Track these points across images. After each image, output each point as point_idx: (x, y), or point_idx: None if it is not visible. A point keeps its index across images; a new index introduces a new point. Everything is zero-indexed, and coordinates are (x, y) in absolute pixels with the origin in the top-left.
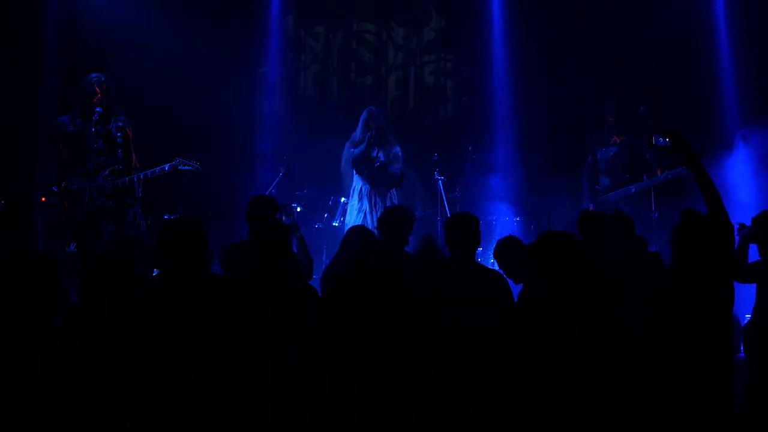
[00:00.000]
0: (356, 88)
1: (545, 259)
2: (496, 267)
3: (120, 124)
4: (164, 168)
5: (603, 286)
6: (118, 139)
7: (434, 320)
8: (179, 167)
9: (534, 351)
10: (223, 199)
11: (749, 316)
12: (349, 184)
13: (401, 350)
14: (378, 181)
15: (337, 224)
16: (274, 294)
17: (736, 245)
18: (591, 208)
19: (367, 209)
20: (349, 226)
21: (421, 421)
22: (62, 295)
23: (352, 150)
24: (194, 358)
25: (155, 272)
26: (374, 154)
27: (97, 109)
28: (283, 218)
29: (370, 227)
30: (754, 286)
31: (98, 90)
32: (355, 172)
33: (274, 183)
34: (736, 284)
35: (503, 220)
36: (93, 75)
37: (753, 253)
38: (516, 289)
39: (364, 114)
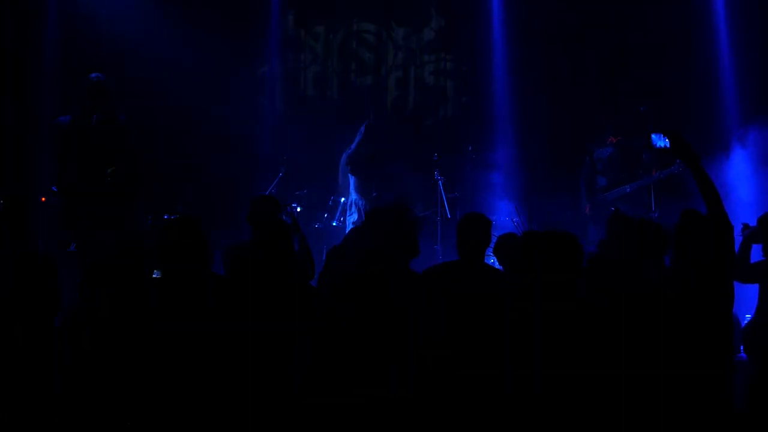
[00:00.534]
0: (356, 88)
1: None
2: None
3: (120, 124)
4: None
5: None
6: (118, 140)
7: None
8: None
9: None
10: (223, 199)
11: (749, 316)
12: (344, 191)
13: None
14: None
15: (337, 224)
16: (275, 294)
17: (736, 245)
18: (588, 209)
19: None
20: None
21: (420, 420)
22: (60, 295)
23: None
24: (194, 358)
25: (156, 274)
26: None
27: (97, 109)
28: (284, 218)
29: None
30: (755, 286)
31: (98, 90)
32: (351, 182)
33: (274, 183)
34: (736, 284)
35: (503, 220)
36: (93, 75)
37: (755, 254)
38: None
39: (362, 129)
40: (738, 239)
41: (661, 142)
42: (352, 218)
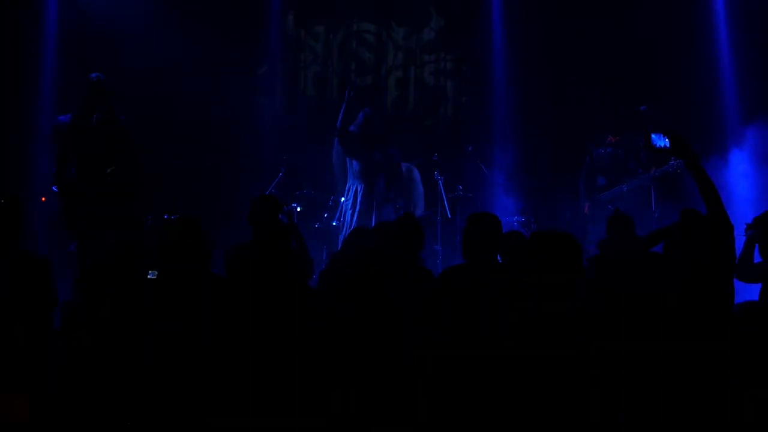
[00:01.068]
0: (356, 88)
1: None
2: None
3: (120, 124)
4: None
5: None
6: (118, 140)
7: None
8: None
9: None
10: (223, 199)
11: None
12: (341, 180)
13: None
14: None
15: (337, 224)
16: (274, 294)
17: (738, 245)
18: (587, 208)
19: (360, 209)
20: (346, 227)
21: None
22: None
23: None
24: (194, 358)
25: (151, 274)
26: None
27: (97, 109)
28: (282, 218)
29: (369, 226)
30: (756, 286)
31: (98, 90)
32: (349, 166)
33: (274, 183)
34: (738, 284)
35: (504, 220)
36: (93, 75)
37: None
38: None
39: (360, 116)
40: (741, 239)
41: (661, 141)
42: (348, 203)
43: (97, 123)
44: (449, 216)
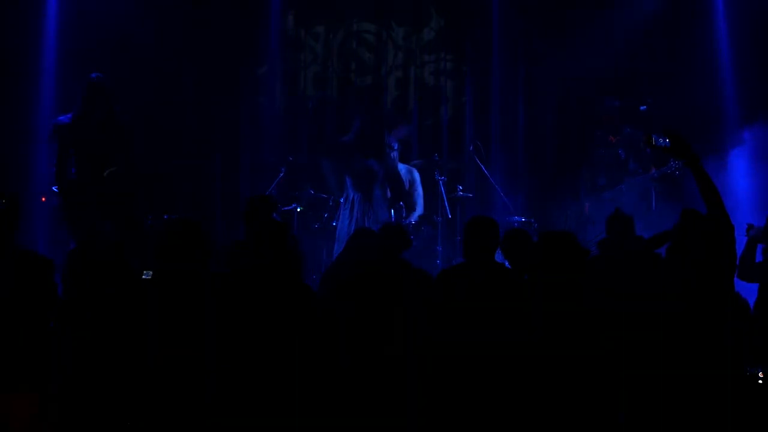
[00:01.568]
0: (356, 88)
1: None
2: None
3: (120, 124)
4: None
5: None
6: (118, 140)
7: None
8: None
9: None
10: (224, 199)
11: None
12: (337, 187)
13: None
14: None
15: (337, 224)
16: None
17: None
18: (587, 207)
19: (358, 216)
20: (345, 232)
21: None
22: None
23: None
24: (191, 358)
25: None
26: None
27: (97, 109)
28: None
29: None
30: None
31: (98, 90)
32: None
33: (275, 183)
34: (739, 284)
35: (504, 220)
36: (93, 75)
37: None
38: None
39: (356, 124)
40: (742, 239)
41: (661, 141)
42: (346, 212)
43: (97, 123)
44: (449, 216)
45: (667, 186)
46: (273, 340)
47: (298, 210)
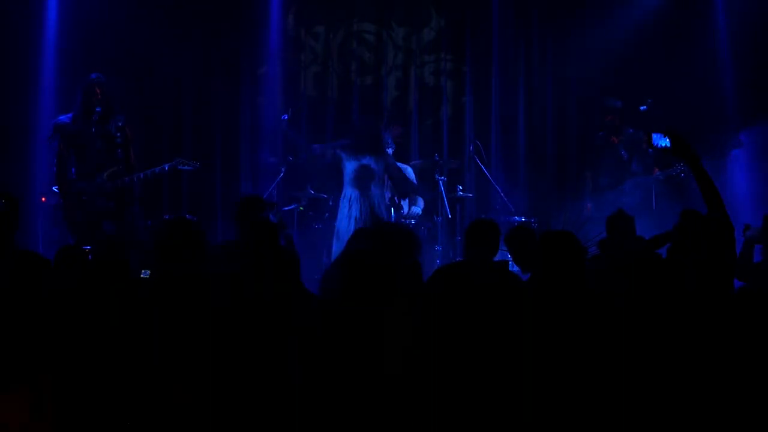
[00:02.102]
0: (356, 88)
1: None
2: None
3: (120, 124)
4: (164, 168)
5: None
6: (118, 140)
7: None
8: (178, 167)
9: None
10: (224, 199)
11: None
12: (333, 188)
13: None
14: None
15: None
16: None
17: (738, 246)
18: (590, 207)
19: (357, 216)
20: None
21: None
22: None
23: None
24: (189, 358)
25: (144, 273)
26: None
27: (97, 109)
28: (270, 217)
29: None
30: None
31: (98, 90)
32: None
33: (275, 183)
34: (738, 284)
35: (504, 219)
36: (93, 75)
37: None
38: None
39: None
40: (740, 239)
41: (661, 141)
42: (344, 210)
43: (96, 123)
44: (449, 216)
45: (669, 187)
46: (258, 341)
47: (299, 210)
